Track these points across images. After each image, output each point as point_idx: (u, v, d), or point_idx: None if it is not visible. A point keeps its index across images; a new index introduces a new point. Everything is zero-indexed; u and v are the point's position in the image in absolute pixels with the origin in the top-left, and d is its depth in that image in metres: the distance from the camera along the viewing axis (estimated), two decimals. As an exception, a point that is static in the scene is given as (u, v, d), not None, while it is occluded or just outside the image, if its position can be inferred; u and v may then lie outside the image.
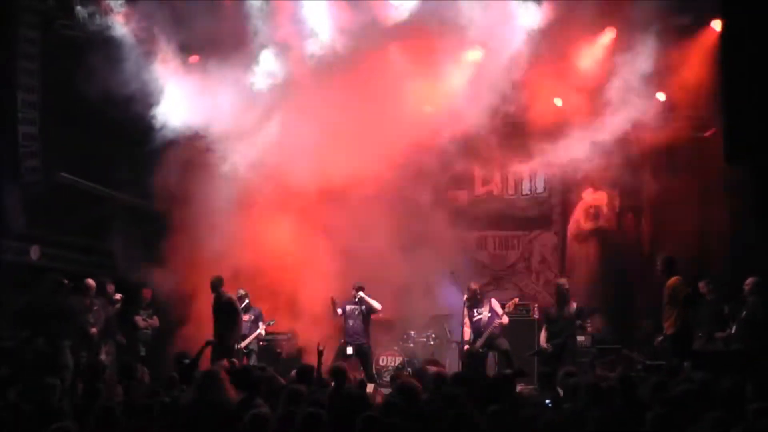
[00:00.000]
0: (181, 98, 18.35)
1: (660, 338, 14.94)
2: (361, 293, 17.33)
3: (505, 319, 16.43)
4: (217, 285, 16.66)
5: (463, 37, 17.50)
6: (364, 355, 17.38)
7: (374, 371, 17.70)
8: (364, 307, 17.37)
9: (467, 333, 16.77)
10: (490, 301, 16.82)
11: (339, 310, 17.39)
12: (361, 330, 17.40)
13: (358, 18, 17.63)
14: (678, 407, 8.32)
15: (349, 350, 17.25)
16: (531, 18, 17.25)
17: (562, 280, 16.79)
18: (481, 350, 16.45)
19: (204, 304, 17.33)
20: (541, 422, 8.15)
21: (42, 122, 15.33)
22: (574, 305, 15.99)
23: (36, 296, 16.16)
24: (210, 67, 18.23)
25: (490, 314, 16.50)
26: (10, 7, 14.54)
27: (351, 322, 17.46)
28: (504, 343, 16.31)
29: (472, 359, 16.39)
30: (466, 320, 16.83)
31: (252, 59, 18.28)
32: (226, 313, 16.59)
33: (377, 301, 17.39)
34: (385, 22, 17.61)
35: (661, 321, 14.81)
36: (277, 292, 18.70)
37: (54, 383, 9.81)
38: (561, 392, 11.12)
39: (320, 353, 12.49)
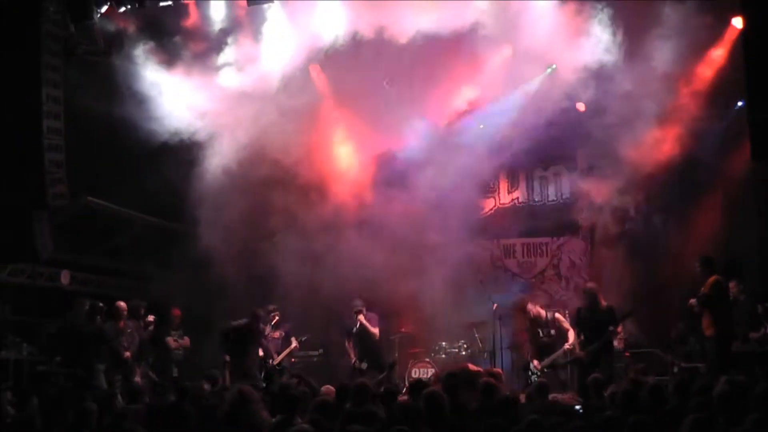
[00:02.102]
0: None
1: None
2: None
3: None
4: None
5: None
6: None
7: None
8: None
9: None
10: (557, 319, 16.88)
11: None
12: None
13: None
14: (716, 410, 8.26)
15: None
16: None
17: (590, 285, 16.70)
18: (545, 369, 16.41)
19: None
20: (569, 429, 8.13)
21: (68, 147, 15.40)
22: (606, 306, 15.85)
23: (69, 321, 16.25)
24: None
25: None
26: (33, 35, 14.62)
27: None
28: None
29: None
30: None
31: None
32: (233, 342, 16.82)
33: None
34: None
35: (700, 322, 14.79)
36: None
37: (92, 408, 9.80)
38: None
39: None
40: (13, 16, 14.60)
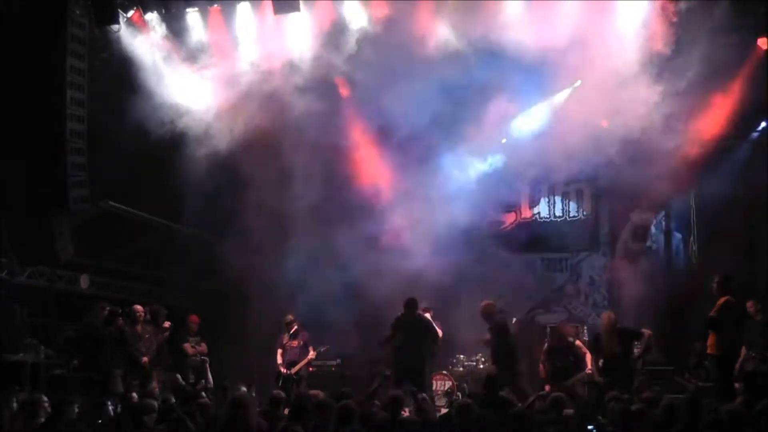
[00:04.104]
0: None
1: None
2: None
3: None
4: None
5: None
6: None
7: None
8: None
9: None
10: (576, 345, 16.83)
11: None
12: None
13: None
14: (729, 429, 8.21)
15: None
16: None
17: (608, 314, 16.42)
18: None
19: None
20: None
21: (89, 151, 15.45)
22: (637, 350, 15.64)
23: (87, 324, 16.25)
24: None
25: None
26: (59, 37, 14.69)
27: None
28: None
29: None
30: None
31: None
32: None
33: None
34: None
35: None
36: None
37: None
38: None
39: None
40: (39, 19, 14.66)
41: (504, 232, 20.83)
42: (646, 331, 15.81)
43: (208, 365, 17.28)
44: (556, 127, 18.70)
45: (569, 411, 11.45)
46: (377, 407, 11.36)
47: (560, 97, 19.10)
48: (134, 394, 13.78)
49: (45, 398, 11.10)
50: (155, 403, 11.15)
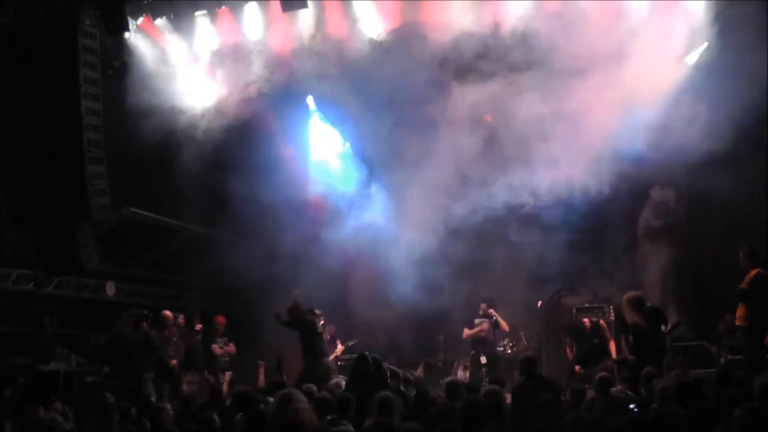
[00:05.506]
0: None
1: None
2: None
3: None
4: None
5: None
6: None
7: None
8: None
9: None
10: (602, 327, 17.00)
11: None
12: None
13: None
14: (764, 401, 8.19)
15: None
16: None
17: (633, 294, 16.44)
18: None
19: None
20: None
21: (108, 160, 15.53)
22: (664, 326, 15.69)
23: (117, 331, 16.37)
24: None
25: None
26: (71, 49, 14.75)
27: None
28: None
29: None
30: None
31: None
32: None
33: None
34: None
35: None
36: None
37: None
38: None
39: None
40: (50, 31, 14.73)
41: (525, 214, 20.69)
42: (672, 320, 15.86)
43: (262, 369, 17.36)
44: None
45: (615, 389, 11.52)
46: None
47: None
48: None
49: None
50: (168, 407, 11.20)
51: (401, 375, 13.64)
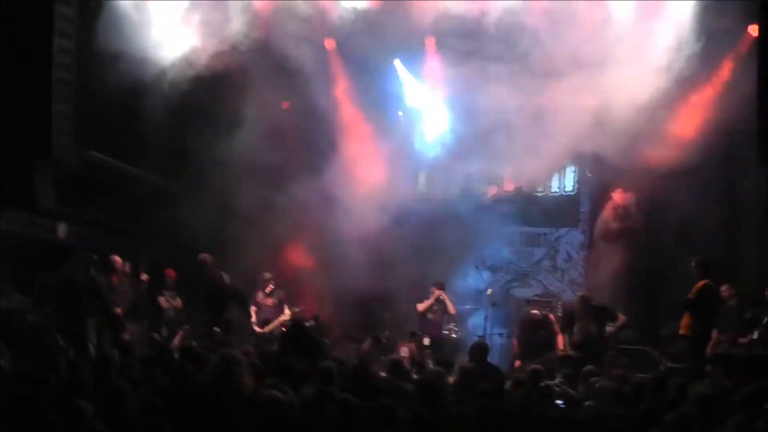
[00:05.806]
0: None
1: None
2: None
3: None
4: None
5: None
6: None
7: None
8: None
9: None
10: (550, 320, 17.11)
11: None
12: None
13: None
14: (699, 410, 8.28)
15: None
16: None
17: (584, 297, 16.77)
18: None
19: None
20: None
21: (76, 101, 15.35)
22: (610, 329, 16.05)
23: (65, 273, 16.20)
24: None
25: None
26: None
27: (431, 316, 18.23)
28: None
29: None
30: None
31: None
32: None
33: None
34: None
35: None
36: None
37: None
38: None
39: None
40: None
41: (484, 204, 20.74)
42: (622, 317, 16.06)
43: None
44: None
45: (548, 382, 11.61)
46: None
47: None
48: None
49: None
50: (116, 354, 11.09)
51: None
